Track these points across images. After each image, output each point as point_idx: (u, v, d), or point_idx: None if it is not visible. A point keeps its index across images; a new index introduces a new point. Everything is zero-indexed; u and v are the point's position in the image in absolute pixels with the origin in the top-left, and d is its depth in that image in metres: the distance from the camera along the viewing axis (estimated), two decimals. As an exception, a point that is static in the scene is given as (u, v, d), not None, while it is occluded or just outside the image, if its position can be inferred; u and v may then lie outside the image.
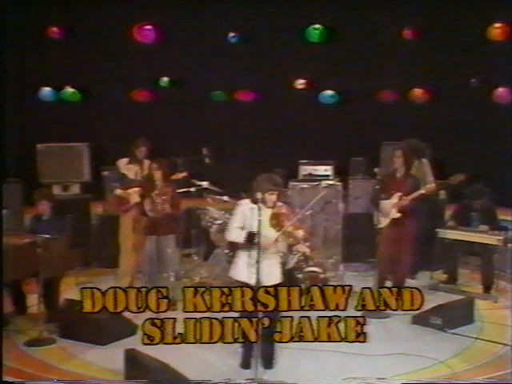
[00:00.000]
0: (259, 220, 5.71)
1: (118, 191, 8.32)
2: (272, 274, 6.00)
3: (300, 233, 5.97)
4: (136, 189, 8.27)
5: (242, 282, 5.90)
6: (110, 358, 6.31)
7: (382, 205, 7.86)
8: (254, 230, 5.78)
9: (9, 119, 9.25)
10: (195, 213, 8.98)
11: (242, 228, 5.95)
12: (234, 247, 6.63)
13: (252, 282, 5.74)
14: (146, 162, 8.43)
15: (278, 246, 6.06)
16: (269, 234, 5.87)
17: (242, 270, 5.96)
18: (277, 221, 5.87)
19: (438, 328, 7.06)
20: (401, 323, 7.37)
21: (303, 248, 6.17)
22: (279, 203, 6.02)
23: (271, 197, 5.93)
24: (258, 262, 5.71)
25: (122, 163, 8.40)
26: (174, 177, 8.38)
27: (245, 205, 5.99)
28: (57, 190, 9.74)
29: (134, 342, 6.51)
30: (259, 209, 5.75)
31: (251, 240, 5.83)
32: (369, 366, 6.21)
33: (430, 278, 8.74)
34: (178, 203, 8.02)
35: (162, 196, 7.77)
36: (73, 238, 7.40)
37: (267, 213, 5.88)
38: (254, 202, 5.89)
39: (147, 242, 7.83)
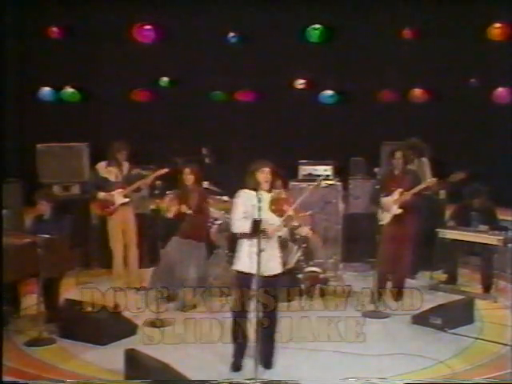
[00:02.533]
0: (259, 207, 5.68)
1: (101, 194, 8.36)
2: (273, 264, 5.99)
3: (301, 216, 5.95)
4: (119, 190, 8.34)
5: (244, 273, 5.91)
6: (109, 358, 6.30)
7: (384, 201, 7.86)
8: (257, 217, 5.74)
9: (9, 119, 9.23)
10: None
11: (246, 217, 5.89)
12: (234, 247, 6.61)
13: (254, 271, 5.74)
14: (126, 164, 8.52)
15: (280, 232, 6.01)
16: (270, 220, 5.84)
17: (244, 260, 5.94)
18: (276, 206, 5.82)
19: (438, 328, 7.06)
20: (401, 323, 7.37)
21: (305, 230, 6.13)
22: (277, 190, 5.98)
23: (263, 175, 5.89)
24: (260, 251, 5.67)
25: (101, 167, 8.47)
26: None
27: (243, 194, 5.96)
28: (57, 190, 9.73)
29: (134, 342, 6.54)
30: (259, 199, 5.72)
31: (257, 227, 5.76)
32: (369, 366, 6.21)
33: (430, 277, 8.73)
34: (205, 209, 7.99)
35: (190, 200, 7.73)
36: (73, 238, 7.39)
37: (266, 198, 5.85)
38: (252, 189, 5.89)
39: (169, 246, 7.75)
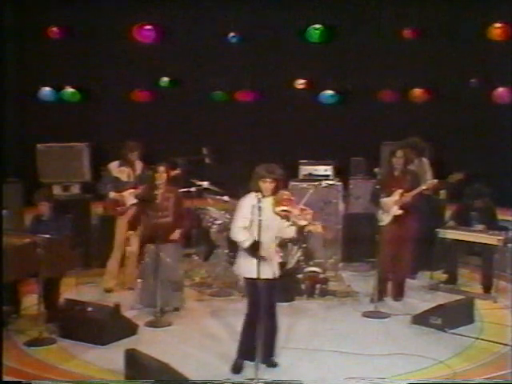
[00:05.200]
0: (259, 207, 5.65)
1: (112, 194, 8.33)
2: (273, 268, 5.97)
3: (307, 213, 5.90)
4: (131, 190, 8.31)
5: (250, 278, 5.90)
6: (109, 358, 6.30)
7: (384, 202, 7.85)
8: (257, 223, 5.70)
9: (9, 119, 9.27)
10: (195, 213, 8.98)
11: (248, 227, 5.85)
12: (235, 248, 6.60)
13: (254, 275, 5.74)
14: (139, 164, 8.46)
15: (286, 232, 5.99)
16: (273, 223, 5.80)
17: (245, 266, 5.93)
18: (280, 208, 5.76)
19: (438, 328, 7.06)
20: (401, 323, 7.37)
21: (315, 227, 6.06)
22: (282, 191, 5.95)
23: (265, 185, 5.85)
24: (259, 260, 5.68)
25: (114, 166, 8.40)
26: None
27: (249, 199, 5.91)
28: (57, 190, 9.73)
29: (134, 342, 6.55)
30: (259, 207, 5.69)
31: (254, 249, 5.75)
32: (369, 366, 6.20)
33: (430, 277, 8.73)
34: (182, 209, 7.85)
35: (165, 201, 7.64)
36: (73, 238, 7.39)
37: (269, 200, 5.80)
38: (256, 192, 5.86)
39: (146, 252, 7.62)
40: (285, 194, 5.89)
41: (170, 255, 7.59)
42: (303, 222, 5.88)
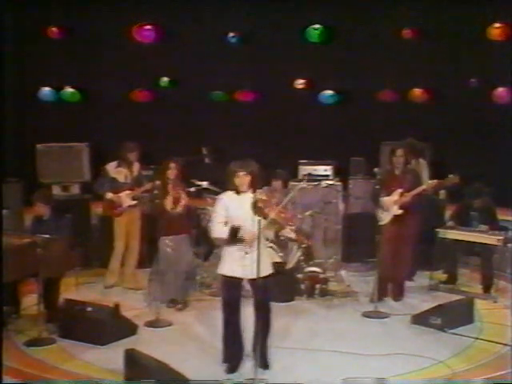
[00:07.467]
0: (240, 209, 5.67)
1: (110, 195, 8.33)
2: (260, 266, 5.83)
3: (284, 217, 5.86)
4: (127, 192, 8.31)
5: (230, 277, 5.87)
6: (109, 358, 6.30)
7: (384, 201, 7.86)
8: (237, 222, 5.73)
9: (9, 119, 9.26)
10: (195, 213, 8.97)
11: (225, 222, 5.84)
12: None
13: (240, 275, 5.73)
14: (136, 165, 8.45)
15: (266, 233, 5.90)
16: (252, 223, 5.68)
17: (229, 264, 5.88)
18: (258, 208, 5.66)
19: (438, 328, 7.06)
20: (400, 323, 7.37)
21: (288, 233, 6.02)
22: (259, 190, 5.89)
23: (238, 179, 5.81)
24: (245, 253, 5.68)
25: (111, 167, 8.39)
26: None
27: (225, 197, 5.91)
28: (56, 190, 9.73)
29: (134, 342, 6.54)
30: (239, 202, 5.70)
31: (235, 235, 5.74)
32: (368, 366, 6.20)
33: (430, 277, 8.73)
34: (188, 203, 8.02)
35: (175, 195, 7.75)
36: (73, 238, 7.39)
37: (248, 201, 5.73)
38: (235, 191, 5.86)
39: (163, 243, 7.68)
40: (263, 195, 5.81)
41: (180, 245, 7.79)
42: (277, 227, 5.84)
